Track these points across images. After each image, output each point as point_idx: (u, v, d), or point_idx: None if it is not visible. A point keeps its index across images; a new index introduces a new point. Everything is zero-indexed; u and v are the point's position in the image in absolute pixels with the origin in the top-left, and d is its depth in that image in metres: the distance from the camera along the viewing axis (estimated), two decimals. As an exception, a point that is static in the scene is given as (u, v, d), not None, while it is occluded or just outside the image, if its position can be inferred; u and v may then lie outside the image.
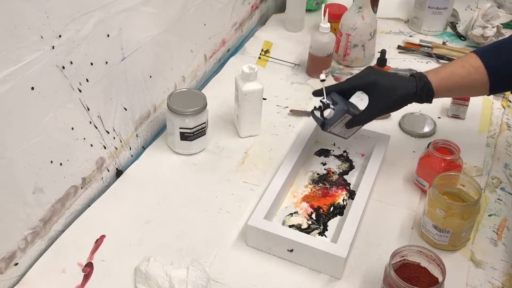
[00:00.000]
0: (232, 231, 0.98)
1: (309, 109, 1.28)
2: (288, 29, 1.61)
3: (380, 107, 1.01)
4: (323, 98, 0.99)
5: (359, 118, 1.01)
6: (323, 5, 1.39)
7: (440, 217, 0.91)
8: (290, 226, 0.99)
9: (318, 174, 1.11)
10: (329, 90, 1.01)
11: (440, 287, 0.80)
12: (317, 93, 1.03)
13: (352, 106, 1.01)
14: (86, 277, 0.89)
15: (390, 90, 0.99)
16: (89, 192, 1.04)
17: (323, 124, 1.00)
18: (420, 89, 0.99)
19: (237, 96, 1.16)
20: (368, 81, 1.00)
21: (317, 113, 1.00)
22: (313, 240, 0.92)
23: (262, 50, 1.51)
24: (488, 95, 1.03)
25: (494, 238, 0.98)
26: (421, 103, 1.01)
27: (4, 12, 0.73)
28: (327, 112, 0.98)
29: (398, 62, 1.47)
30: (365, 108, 1.01)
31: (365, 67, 1.43)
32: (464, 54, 1.04)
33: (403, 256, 0.85)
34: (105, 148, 1.05)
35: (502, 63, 0.98)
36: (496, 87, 1.01)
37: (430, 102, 1.02)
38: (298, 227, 0.99)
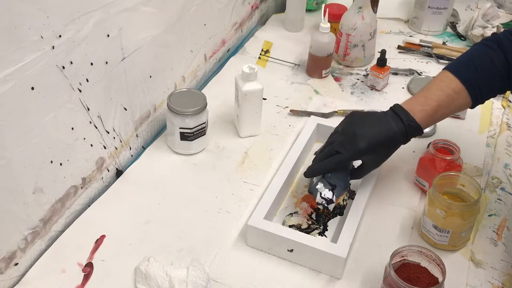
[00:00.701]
0: (232, 231, 0.98)
1: (309, 109, 1.29)
2: (288, 29, 1.61)
3: (374, 165, 1.00)
4: (322, 196, 0.95)
5: (356, 177, 1.02)
6: (323, 5, 1.39)
7: (440, 217, 0.91)
8: (290, 226, 0.99)
9: (318, 174, 1.11)
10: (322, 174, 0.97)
11: (440, 287, 0.80)
12: (308, 175, 0.99)
13: (346, 177, 1.00)
14: (86, 277, 0.89)
15: (381, 148, 0.96)
16: (89, 192, 1.04)
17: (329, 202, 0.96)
18: (410, 134, 0.96)
19: (237, 96, 1.16)
20: (357, 151, 0.95)
21: (321, 200, 0.96)
22: (313, 240, 0.92)
23: (262, 50, 1.51)
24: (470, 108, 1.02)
25: (494, 238, 0.98)
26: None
27: (4, 12, 0.73)
28: (331, 206, 0.96)
29: (398, 62, 1.47)
30: (360, 170, 1.00)
31: (365, 67, 1.44)
32: (440, 75, 1.01)
33: (403, 256, 0.85)
34: (105, 148, 1.05)
35: (481, 80, 0.97)
36: (476, 104, 1.00)
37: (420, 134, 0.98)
38: (298, 227, 0.99)
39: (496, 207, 1.04)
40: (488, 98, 1.01)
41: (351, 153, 0.95)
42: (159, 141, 1.18)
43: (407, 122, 0.95)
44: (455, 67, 1.00)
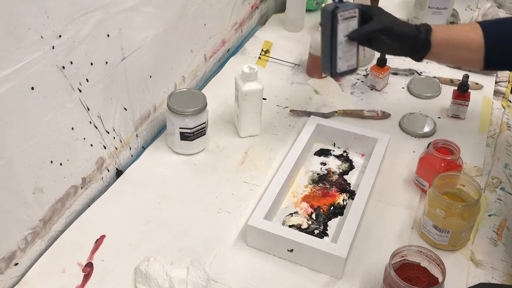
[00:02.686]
0: (232, 231, 0.98)
1: (309, 109, 1.29)
2: (288, 29, 1.61)
3: (384, 20, 1.02)
4: None
5: (363, 29, 1.03)
6: (323, 5, 1.39)
7: (440, 217, 0.91)
8: (290, 226, 0.99)
9: (318, 174, 1.11)
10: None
11: (440, 287, 0.80)
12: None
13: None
14: (86, 277, 0.89)
15: (393, 16, 1.04)
16: (89, 192, 1.04)
17: (333, 13, 1.00)
18: (419, 26, 1.03)
19: (237, 96, 1.17)
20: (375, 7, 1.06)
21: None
22: (313, 240, 0.92)
23: (262, 50, 1.51)
24: (483, 68, 1.04)
25: (494, 238, 0.98)
26: (414, 52, 1.04)
27: (4, 12, 0.73)
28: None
29: (398, 62, 1.47)
30: (370, 22, 1.03)
31: (365, 67, 1.44)
32: None
33: (403, 256, 0.85)
34: (105, 148, 1.05)
35: (500, 29, 1.01)
36: (491, 53, 1.01)
37: (424, 53, 1.03)
38: (298, 227, 0.99)
39: (496, 207, 1.05)
40: (504, 60, 1.03)
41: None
42: (159, 141, 1.18)
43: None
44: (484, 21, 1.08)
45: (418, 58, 1.05)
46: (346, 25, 1.02)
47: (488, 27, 1.02)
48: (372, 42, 1.06)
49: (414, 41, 1.02)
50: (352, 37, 1.02)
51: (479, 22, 1.03)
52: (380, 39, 1.04)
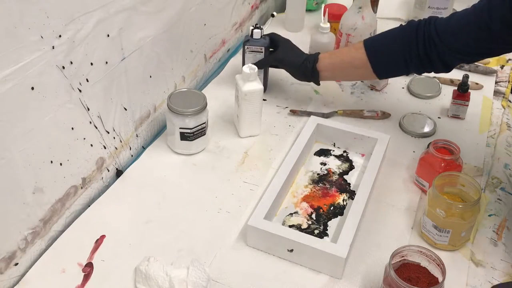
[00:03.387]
0: (232, 231, 0.98)
1: (309, 109, 1.29)
2: (288, 29, 1.61)
3: (279, 53, 1.24)
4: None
5: (263, 60, 1.26)
6: (323, 5, 1.39)
7: (440, 217, 0.91)
8: (290, 226, 0.99)
9: (318, 174, 1.11)
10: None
11: (440, 287, 0.80)
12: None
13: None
14: (86, 277, 0.89)
15: (291, 49, 1.25)
16: (89, 192, 1.04)
17: (244, 44, 1.26)
18: (308, 56, 1.20)
19: (237, 96, 1.17)
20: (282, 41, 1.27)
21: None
22: (313, 240, 0.92)
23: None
24: (379, 78, 1.15)
25: (494, 238, 0.98)
26: (307, 77, 1.21)
27: (4, 12, 0.73)
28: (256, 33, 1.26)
29: (398, 62, 1.48)
30: (271, 54, 1.26)
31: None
32: None
33: (403, 256, 0.85)
34: (105, 148, 1.05)
35: (380, 45, 1.12)
36: (378, 68, 1.12)
37: (316, 78, 1.20)
38: (298, 227, 0.99)
39: (496, 207, 1.04)
40: (392, 69, 1.14)
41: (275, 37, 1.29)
42: (159, 141, 1.18)
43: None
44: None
45: (315, 82, 1.21)
46: (253, 55, 1.27)
47: (370, 43, 1.13)
48: (279, 67, 1.26)
49: (303, 69, 1.20)
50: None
51: (364, 40, 1.14)
52: (281, 67, 1.25)
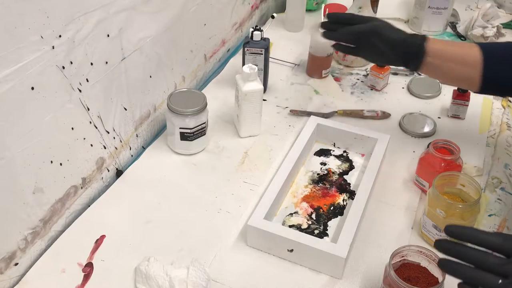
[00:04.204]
0: (232, 231, 0.98)
1: (309, 109, 1.29)
2: (288, 29, 1.62)
3: (376, 23, 1.03)
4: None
5: (350, 28, 1.04)
6: (323, 5, 1.39)
7: (440, 217, 0.91)
8: (290, 226, 0.99)
9: (318, 174, 1.11)
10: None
11: (440, 287, 0.80)
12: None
13: None
14: (86, 277, 0.89)
15: (388, 22, 1.04)
16: (89, 192, 1.04)
17: (244, 46, 1.25)
18: (415, 34, 1.02)
19: (237, 96, 1.17)
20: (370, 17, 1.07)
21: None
22: (313, 240, 0.92)
23: (262, 50, 1.51)
24: (479, 87, 0.99)
25: (494, 238, 0.98)
26: (412, 60, 1.01)
27: (4, 12, 0.73)
28: None
29: (398, 62, 1.48)
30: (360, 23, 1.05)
31: (365, 67, 1.44)
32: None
33: (403, 256, 0.85)
34: (105, 148, 1.05)
35: (497, 47, 1.01)
36: (488, 69, 0.97)
37: (419, 60, 1.00)
38: (298, 227, 0.99)
39: (496, 207, 1.04)
40: (502, 84, 0.99)
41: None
42: (159, 141, 1.18)
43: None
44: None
45: (413, 66, 1.02)
46: (253, 57, 1.26)
47: (485, 45, 1.01)
48: (360, 47, 1.05)
49: (408, 46, 1.00)
50: (335, 38, 1.05)
51: (477, 43, 1.03)
52: (369, 43, 1.02)
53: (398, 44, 1.01)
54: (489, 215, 1.03)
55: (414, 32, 1.03)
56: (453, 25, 1.64)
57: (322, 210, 1.03)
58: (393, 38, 1.01)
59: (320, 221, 1.00)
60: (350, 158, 1.15)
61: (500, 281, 0.61)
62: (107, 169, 1.08)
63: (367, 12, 1.38)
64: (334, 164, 1.14)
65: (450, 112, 1.27)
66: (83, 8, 0.88)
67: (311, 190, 1.07)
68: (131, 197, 1.04)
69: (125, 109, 1.09)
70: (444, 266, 0.65)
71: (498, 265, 0.62)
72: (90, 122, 0.99)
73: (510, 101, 1.33)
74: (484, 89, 1.00)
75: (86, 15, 0.89)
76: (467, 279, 0.63)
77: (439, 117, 1.27)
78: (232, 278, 0.90)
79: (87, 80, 0.94)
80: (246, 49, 1.27)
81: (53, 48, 0.84)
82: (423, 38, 1.01)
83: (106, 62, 0.98)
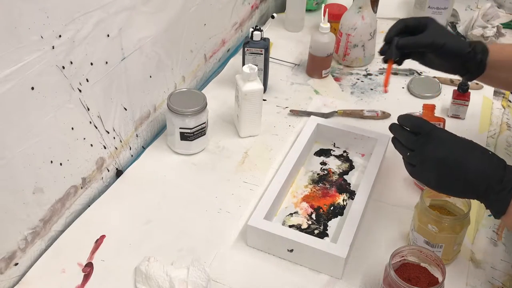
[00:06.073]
0: (232, 231, 0.98)
1: (309, 109, 1.29)
2: (288, 29, 1.61)
3: (436, 38, 0.96)
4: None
5: (412, 39, 0.98)
6: (323, 5, 1.39)
7: (432, 233, 0.88)
8: (290, 226, 0.99)
9: (318, 174, 1.11)
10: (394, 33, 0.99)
11: (440, 287, 0.79)
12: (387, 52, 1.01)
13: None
14: (86, 277, 0.89)
15: (448, 32, 0.99)
16: (89, 192, 1.04)
17: (244, 45, 1.26)
18: (475, 44, 0.97)
19: (237, 96, 1.17)
20: (429, 19, 0.99)
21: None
22: (313, 240, 0.92)
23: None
24: None
25: (494, 238, 0.98)
26: (474, 70, 0.98)
27: (4, 12, 0.73)
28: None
29: (398, 62, 1.48)
30: (419, 34, 0.97)
31: (365, 67, 1.44)
32: None
33: (403, 256, 0.85)
34: (105, 148, 1.05)
35: None
36: None
37: (478, 74, 0.98)
38: (298, 227, 0.99)
39: (496, 207, 1.04)
40: None
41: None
42: (159, 141, 1.18)
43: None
44: None
45: (469, 78, 1.01)
46: (253, 57, 1.26)
47: None
48: (420, 57, 1.01)
49: (467, 59, 0.97)
50: (390, 56, 0.99)
51: None
52: (428, 56, 0.99)
53: (457, 59, 0.98)
54: (489, 215, 1.02)
55: (475, 40, 1.00)
56: (453, 25, 1.64)
57: (322, 210, 1.03)
58: (453, 54, 0.97)
59: (320, 221, 1.00)
60: (350, 158, 1.15)
61: (408, 153, 0.86)
62: (107, 169, 1.08)
63: (367, 12, 1.38)
64: (334, 164, 1.14)
65: (450, 112, 1.27)
66: (83, 8, 0.88)
67: (311, 190, 1.07)
68: (131, 197, 1.04)
69: (125, 109, 1.09)
70: (392, 139, 0.91)
71: (409, 142, 0.86)
72: (90, 122, 0.99)
73: (510, 101, 1.33)
74: None
75: (86, 15, 0.89)
76: (397, 150, 0.89)
77: (439, 117, 1.27)
78: (232, 278, 0.90)
79: (87, 80, 0.94)
80: (246, 49, 1.26)
81: (53, 48, 0.84)
82: (484, 51, 0.96)
83: (106, 62, 0.98)
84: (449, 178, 0.82)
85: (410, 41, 0.97)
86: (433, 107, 1.08)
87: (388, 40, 0.99)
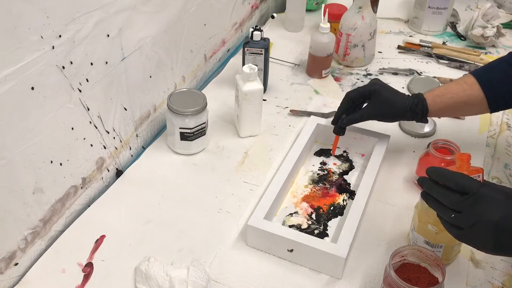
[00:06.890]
0: (232, 231, 0.98)
1: (309, 109, 1.29)
2: (288, 29, 1.62)
3: (375, 112, 1.06)
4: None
5: (354, 116, 1.07)
6: (323, 5, 1.39)
7: (432, 233, 0.89)
8: (290, 226, 0.99)
9: (318, 174, 1.11)
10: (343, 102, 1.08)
11: (440, 287, 0.79)
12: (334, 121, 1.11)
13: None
14: (86, 277, 0.89)
15: (389, 101, 1.05)
16: (89, 192, 1.04)
17: (244, 46, 1.27)
18: (415, 104, 1.04)
19: (237, 96, 1.17)
20: (372, 88, 1.05)
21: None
22: (313, 240, 0.92)
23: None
24: (490, 112, 1.06)
25: (494, 238, 0.98)
26: (417, 121, 1.06)
27: (4, 12, 0.73)
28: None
29: (398, 62, 1.48)
30: (361, 109, 1.07)
31: (365, 67, 1.45)
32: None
33: (403, 256, 0.85)
34: (105, 148, 1.05)
35: (495, 78, 1.03)
36: (494, 103, 1.04)
37: (425, 120, 1.06)
38: (298, 227, 0.99)
39: (496, 207, 1.04)
40: (510, 104, 1.05)
41: (367, 88, 1.07)
42: (159, 141, 1.18)
43: (416, 94, 1.06)
44: (475, 69, 1.09)
45: (421, 122, 1.08)
46: (253, 57, 1.26)
47: (482, 78, 1.04)
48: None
49: (410, 117, 1.06)
50: (344, 126, 1.09)
51: (474, 74, 1.05)
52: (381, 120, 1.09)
53: (402, 118, 1.08)
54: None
55: (415, 93, 1.07)
56: (453, 25, 1.64)
57: (322, 210, 1.03)
58: (395, 116, 1.08)
59: (320, 221, 1.00)
60: (350, 158, 1.15)
61: (453, 215, 0.76)
62: (107, 169, 1.08)
63: (367, 12, 1.38)
64: (334, 164, 1.14)
65: (450, 112, 1.26)
66: (83, 8, 0.88)
67: (311, 190, 1.07)
68: (131, 197, 1.04)
69: (125, 109, 1.09)
70: (422, 194, 0.83)
71: (454, 203, 0.76)
72: (90, 122, 0.99)
73: (510, 101, 1.33)
74: (496, 111, 1.07)
75: (86, 15, 0.89)
76: (435, 210, 0.80)
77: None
78: (232, 278, 0.90)
79: (87, 80, 0.94)
80: (246, 49, 1.27)
81: (53, 48, 0.84)
82: (422, 103, 1.04)
83: (106, 62, 0.98)
84: (510, 240, 0.74)
85: (353, 119, 1.08)
86: (468, 157, 0.90)
87: (336, 119, 1.09)
